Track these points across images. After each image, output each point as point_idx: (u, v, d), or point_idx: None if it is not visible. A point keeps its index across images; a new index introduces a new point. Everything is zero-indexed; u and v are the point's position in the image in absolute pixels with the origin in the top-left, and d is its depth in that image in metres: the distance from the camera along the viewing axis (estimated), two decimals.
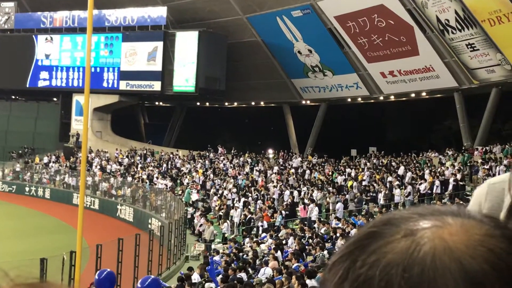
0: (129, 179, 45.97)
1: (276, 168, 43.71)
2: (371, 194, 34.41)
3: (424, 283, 0.75)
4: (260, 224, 31.61)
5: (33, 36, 57.35)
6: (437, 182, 31.90)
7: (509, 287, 0.76)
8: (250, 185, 40.76)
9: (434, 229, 0.81)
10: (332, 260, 0.87)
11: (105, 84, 53.70)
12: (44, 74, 57.13)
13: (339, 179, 37.93)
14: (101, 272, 8.76)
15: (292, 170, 42.86)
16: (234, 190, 39.27)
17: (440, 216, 0.84)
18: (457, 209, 0.86)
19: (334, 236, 25.16)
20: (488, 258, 0.77)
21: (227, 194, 38.41)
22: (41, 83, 57.37)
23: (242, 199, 36.23)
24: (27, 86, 57.87)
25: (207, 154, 50.84)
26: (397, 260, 0.79)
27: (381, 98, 47.54)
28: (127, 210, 40.73)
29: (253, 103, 56.12)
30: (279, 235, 27.61)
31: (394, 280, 0.77)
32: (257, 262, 21.72)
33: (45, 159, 54.69)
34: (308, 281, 13.96)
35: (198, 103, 59.02)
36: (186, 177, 45.13)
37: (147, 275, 23.15)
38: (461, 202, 26.77)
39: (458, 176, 31.75)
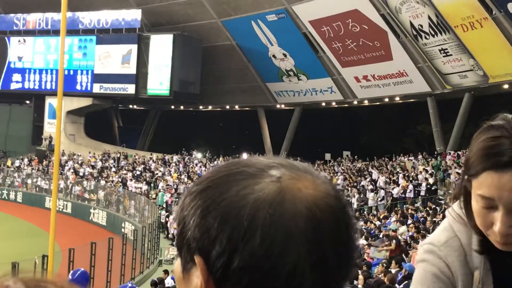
0: (103, 182, 45.69)
1: None
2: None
3: (280, 221, 0.96)
4: None
5: (6, 38, 56.75)
6: (410, 187, 32.11)
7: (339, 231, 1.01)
8: None
9: (294, 181, 1.01)
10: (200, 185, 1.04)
11: (78, 87, 53.30)
12: (16, 77, 56.55)
13: None
14: (74, 272, 8.67)
15: None
16: None
17: (297, 170, 1.04)
18: (307, 166, 1.07)
19: None
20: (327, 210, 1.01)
21: None
22: (13, 86, 56.76)
23: None
24: None
25: (182, 158, 50.68)
26: (266, 198, 0.97)
27: (355, 102, 47.76)
28: (100, 214, 40.44)
29: (227, 107, 56.02)
30: None
31: (260, 212, 0.96)
32: None
33: (17, 162, 54.16)
34: None
35: (172, 107, 58.78)
36: (160, 180, 44.97)
37: (120, 279, 23.06)
38: (434, 206, 26.99)
39: (431, 181, 31.98)
